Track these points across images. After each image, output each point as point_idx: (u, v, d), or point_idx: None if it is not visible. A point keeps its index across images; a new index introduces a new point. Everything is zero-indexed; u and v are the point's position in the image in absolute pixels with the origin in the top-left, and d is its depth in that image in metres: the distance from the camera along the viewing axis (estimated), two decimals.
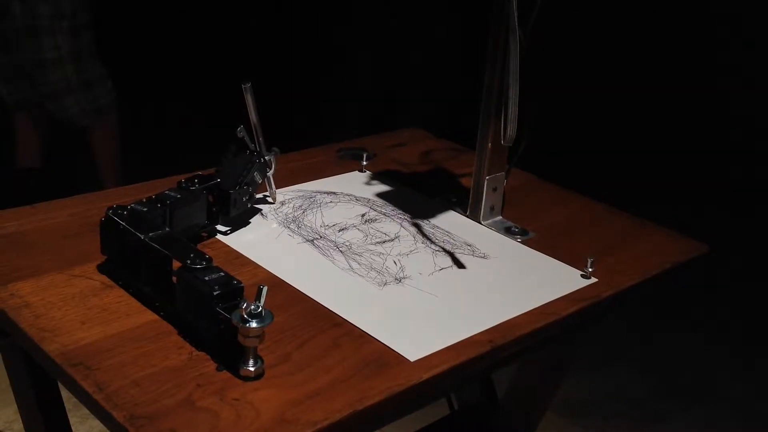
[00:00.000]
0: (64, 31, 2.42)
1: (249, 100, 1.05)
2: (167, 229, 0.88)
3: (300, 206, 1.14)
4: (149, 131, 3.47)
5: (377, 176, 1.28)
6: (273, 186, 1.14)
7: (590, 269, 1.02)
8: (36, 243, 0.97)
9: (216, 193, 1.02)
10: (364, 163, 1.30)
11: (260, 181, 1.08)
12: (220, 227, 1.06)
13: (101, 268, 0.94)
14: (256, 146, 1.07)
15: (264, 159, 1.07)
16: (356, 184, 1.24)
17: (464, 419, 1.49)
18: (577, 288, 1.00)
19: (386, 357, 0.83)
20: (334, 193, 1.20)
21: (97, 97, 2.55)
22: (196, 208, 1.00)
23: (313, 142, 1.39)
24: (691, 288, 2.63)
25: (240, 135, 1.05)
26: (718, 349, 2.48)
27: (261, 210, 1.12)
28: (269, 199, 1.15)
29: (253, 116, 1.06)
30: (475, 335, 0.88)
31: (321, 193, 1.19)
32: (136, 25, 4.17)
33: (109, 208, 0.90)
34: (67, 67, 2.46)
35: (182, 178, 1.02)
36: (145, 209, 0.91)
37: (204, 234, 1.04)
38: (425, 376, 0.81)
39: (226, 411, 0.73)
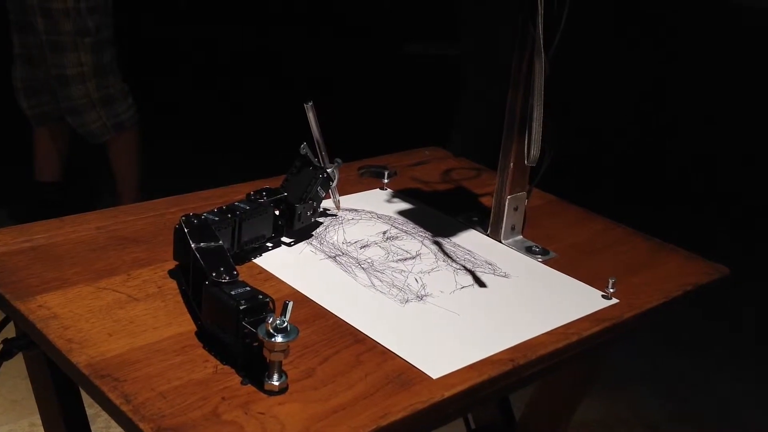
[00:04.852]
0: (86, 47, 2.45)
1: (311, 117, 1.07)
2: (221, 242, 0.90)
3: (322, 222, 1.15)
4: (168, 147, 3.50)
5: (398, 194, 1.29)
6: (338, 196, 1.16)
7: (612, 290, 1.02)
8: (64, 255, 0.99)
9: (282, 206, 1.05)
10: (386, 180, 1.31)
11: (323, 195, 1.10)
12: (284, 239, 1.08)
13: (171, 273, 0.96)
14: (319, 161, 1.09)
15: (327, 173, 1.09)
16: (378, 201, 1.25)
17: None
18: (599, 308, 1.00)
19: (408, 374, 0.83)
20: (355, 210, 1.21)
21: (118, 113, 2.57)
22: (263, 220, 1.02)
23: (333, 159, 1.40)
24: (707, 312, 2.62)
25: (303, 152, 1.07)
26: (734, 375, 2.46)
27: (323, 223, 1.14)
28: (329, 212, 1.17)
29: (315, 133, 1.09)
30: (496, 354, 0.88)
31: (343, 210, 1.20)
32: (156, 42, 4.23)
33: (183, 215, 0.93)
34: (89, 83, 2.49)
35: (251, 190, 1.05)
36: (216, 218, 0.94)
37: (269, 246, 1.06)
38: (447, 394, 0.81)
39: (252, 424, 0.73)
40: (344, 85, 4.42)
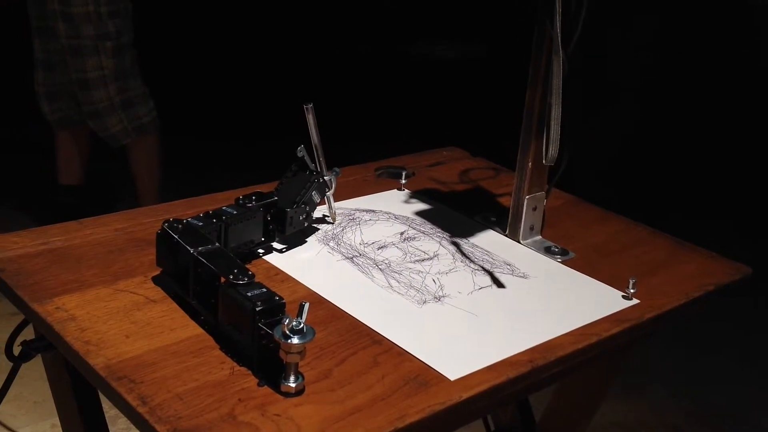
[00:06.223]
0: (107, 50, 2.46)
1: (310, 120, 1.05)
2: (217, 244, 0.89)
3: (339, 223, 1.15)
4: (189, 150, 3.52)
5: (416, 195, 1.28)
6: (333, 206, 1.14)
7: (632, 290, 1.01)
8: (82, 258, 0.99)
9: (273, 211, 1.03)
10: (403, 181, 1.30)
11: (318, 201, 1.08)
12: (276, 245, 1.06)
13: (156, 280, 0.95)
14: (316, 166, 1.07)
15: (323, 179, 1.08)
16: (395, 202, 1.25)
17: None
18: (619, 309, 0.99)
19: (426, 375, 0.83)
20: (373, 211, 1.20)
21: (139, 116, 2.59)
22: (251, 225, 1.01)
23: (351, 160, 1.39)
24: (729, 313, 2.59)
25: (300, 155, 1.05)
26: (756, 376, 2.43)
27: (318, 229, 1.12)
28: (328, 219, 1.15)
29: (314, 136, 1.06)
30: (515, 355, 0.87)
31: (360, 210, 1.20)
32: (177, 45, 4.25)
33: (165, 221, 0.92)
34: (110, 87, 2.51)
35: (240, 194, 1.03)
36: (200, 224, 0.93)
37: (260, 251, 1.04)
38: (465, 396, 0.81)
39: (268, 426, 0.73)
40: (361, 87, 4.42)
